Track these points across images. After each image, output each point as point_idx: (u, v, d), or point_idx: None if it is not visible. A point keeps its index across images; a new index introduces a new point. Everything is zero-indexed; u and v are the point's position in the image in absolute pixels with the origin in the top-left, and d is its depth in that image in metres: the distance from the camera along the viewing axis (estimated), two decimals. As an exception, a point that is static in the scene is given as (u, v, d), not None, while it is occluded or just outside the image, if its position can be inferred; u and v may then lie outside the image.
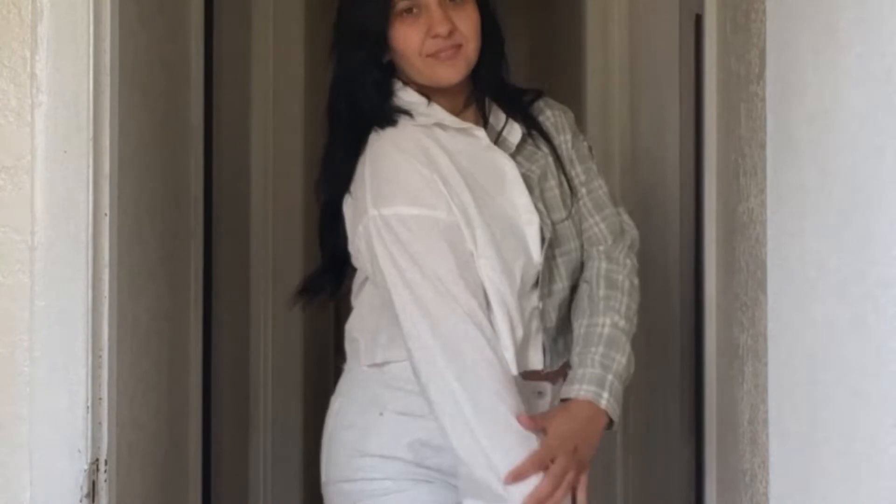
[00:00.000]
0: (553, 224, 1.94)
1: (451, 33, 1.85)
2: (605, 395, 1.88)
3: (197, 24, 2.62)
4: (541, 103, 2.04)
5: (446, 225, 1.82)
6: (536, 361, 1.91)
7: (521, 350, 1.86)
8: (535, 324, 1.91)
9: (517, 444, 1.75)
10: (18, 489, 1.83)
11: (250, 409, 3.75)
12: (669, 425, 3.32)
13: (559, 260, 1.95)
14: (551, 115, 2.03)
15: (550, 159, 1.99)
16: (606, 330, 1.94)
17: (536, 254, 1.90)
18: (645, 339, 3.42)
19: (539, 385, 1.93)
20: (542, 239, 1.91)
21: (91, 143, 1.84)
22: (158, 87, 2.29)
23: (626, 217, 2.06)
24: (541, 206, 1.93)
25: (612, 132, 3.54)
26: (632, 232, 2.06)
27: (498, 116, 1.98)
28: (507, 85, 2.01)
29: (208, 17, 2.84)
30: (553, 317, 1.94)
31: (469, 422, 1.74)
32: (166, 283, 2.36)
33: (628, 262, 2.02)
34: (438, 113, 1.92)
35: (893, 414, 1.31)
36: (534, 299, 1.90)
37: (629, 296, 2.00)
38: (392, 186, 1.84)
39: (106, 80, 1.87)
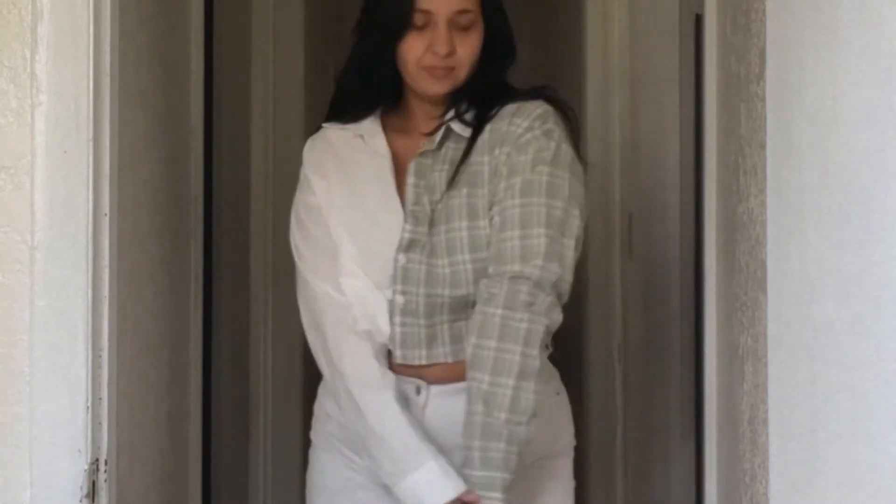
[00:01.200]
0: (432, 233, 1.97)
1: (448, 55, 1.97)
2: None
3: (197, 24, 2.62)
4: (510, 108, 1.99)
5: (320, 214, 2.07)
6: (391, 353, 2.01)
7: (377, 338, 2.00)
8: (391, 317, 1.99)
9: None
10: (18, 489, 1.83)
11: (250, 409, 3.75)
12: (669, 425, 3.33)
13: (448, 270, 1.96)
14: (505, 126, 1.98)
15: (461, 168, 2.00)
16: (477, 418, 1.87)
17: (392, 253, 1.98)
18: (645, 340, 3.43)
19: (414, 381, 2.00)
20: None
21: (91, 143, 1.84)
22: (158, 87, 2.29)
23: (542, 241, 1.89)
24: (420, 212, 1.99)
25: (612, 132, 3.54)
26: (534, 262, 1.88)
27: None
28: (485, 91, 2.03)
29: (208, 17, 2.84)
30: (420, 316, 1.97)
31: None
32: (166, 283, 2.36)
33: (501, 291, 1.87)
34: (361, 126, 2.08)
35: (893, 414, 1.31)
36: (388, 293, 1.98)
37: (499, 339, 1.86)
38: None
39: (106, 80, 1.87)
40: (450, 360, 1.98)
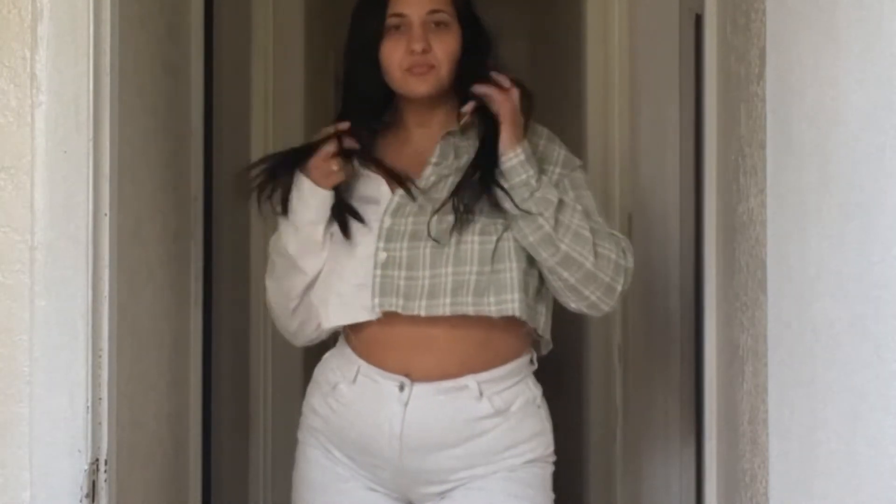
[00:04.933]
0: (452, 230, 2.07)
1: (425, 51, 2.06)
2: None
3: (197, 24, 2.62)
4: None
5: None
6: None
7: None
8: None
9: None
10: (18, 489, 1.83)
11: (250, 409, 3.75)
12: (669, 425, 3.33)
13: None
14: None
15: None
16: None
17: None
18: (645, 340, 3.43)
19: (398, 378, 2.04)
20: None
21: (91, 143, 1.84)
22: (158, 87, 2.29)
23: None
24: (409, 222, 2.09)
25: (612, 132, 3.54)
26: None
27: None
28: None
29: (208, 17, 2.84)
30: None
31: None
32: (166, 283, 2.36)
33: None
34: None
35: (893, 414, 1.31)
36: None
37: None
38: None
39: (106, 80, 1.87)
40: (448, 311, 2.00)
